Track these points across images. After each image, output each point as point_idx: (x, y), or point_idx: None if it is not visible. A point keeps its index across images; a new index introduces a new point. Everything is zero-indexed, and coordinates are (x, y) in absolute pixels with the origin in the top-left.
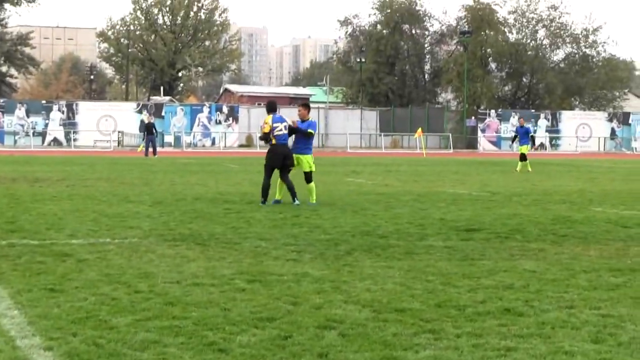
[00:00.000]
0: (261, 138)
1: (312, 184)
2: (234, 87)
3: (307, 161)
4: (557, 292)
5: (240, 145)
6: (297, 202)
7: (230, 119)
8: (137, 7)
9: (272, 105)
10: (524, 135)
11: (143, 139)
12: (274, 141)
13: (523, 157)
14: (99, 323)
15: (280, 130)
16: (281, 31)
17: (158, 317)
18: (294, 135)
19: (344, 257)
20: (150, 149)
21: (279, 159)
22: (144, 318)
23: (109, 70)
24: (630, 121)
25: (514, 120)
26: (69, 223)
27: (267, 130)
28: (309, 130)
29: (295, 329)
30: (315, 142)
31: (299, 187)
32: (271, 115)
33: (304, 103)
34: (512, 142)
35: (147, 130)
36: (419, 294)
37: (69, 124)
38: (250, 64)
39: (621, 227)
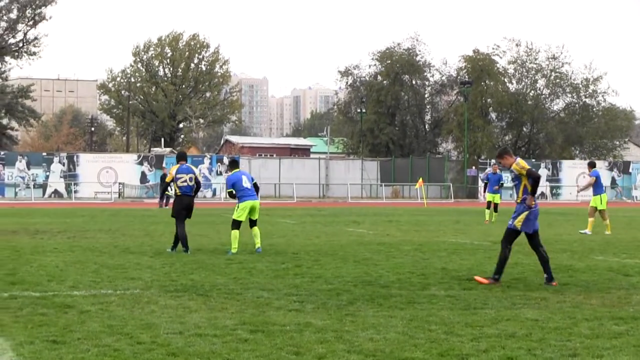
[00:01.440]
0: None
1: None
2: (234, 138)
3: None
4: (560, 341)
5: None
6: (187, 251)
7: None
8: (138, 59)
9: (180, 155)
10: (495, 182)
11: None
12: (178, 192)
13: (495, 206)
14: None
15: (185, 181)
16: (281, 82)
17: None
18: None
19: (346, 307)
20: (157, 201)
21: (183, 209)
22: None
23: (110, 122)
24: (630, 170)
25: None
26: (71, 275)
27: (168, 179)
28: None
29: None
30: (316, 191)
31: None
32: (177, 165)
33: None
34: (484, 190)
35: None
36: (421, 343)
37: (70, 176)
38: (250, 114)
39: (623, 275)
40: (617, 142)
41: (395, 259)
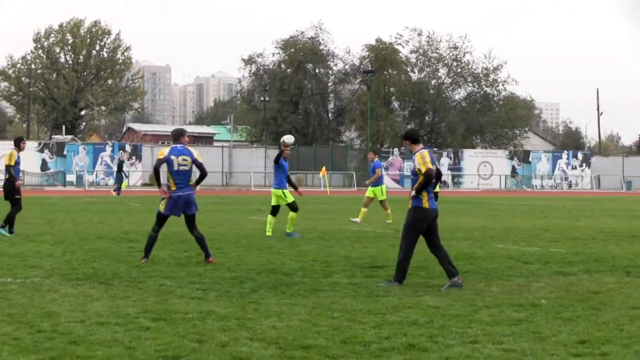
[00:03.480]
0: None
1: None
2: (137, 126)
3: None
4: (461, 328)
5: (144, 184)
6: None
7: (134, 157)
8: (39, 46)
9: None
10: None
11: (123, 179)
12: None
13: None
14: None
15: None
16: (185, 70)
17: (61, 356)
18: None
19: (249, 295)
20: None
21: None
22: (47, 358)
23: (10, 109)
24: (530, 159)
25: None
26: None
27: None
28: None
29: None
30: (219, 180)
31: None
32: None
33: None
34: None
35: (119, 168)
36: (324, 330)
37: None
38: (153, 102)
39: (522, 263)
40: (518, 132)
41: (299, 247)
